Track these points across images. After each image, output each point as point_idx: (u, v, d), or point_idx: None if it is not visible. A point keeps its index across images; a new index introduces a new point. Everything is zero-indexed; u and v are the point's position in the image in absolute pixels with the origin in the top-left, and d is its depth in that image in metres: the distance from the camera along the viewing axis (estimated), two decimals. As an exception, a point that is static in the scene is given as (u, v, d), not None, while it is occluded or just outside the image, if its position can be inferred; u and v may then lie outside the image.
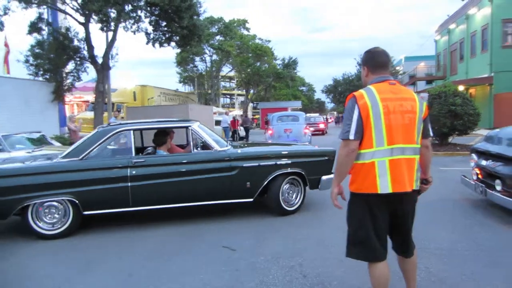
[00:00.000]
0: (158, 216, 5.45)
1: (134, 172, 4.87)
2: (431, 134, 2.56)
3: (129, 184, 4.85)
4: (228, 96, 64.27)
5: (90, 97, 20.51)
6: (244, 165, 5.24)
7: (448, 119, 12.19)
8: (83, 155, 4.86)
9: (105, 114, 16.22)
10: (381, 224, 2.40)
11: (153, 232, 4.92)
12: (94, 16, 13.92)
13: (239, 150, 5.43)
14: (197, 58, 36.33)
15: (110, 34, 15.01)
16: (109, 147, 5.34)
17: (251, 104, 50.75)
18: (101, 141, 4.97)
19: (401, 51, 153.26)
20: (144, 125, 5.61)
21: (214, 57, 37.16)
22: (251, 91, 46.83)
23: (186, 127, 5.48)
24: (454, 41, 30.21)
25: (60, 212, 4.77)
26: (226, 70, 42.99)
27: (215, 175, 5.14)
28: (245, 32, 37.72)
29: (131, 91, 23.39)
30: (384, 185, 2.31)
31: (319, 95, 71.46)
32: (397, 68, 47.18)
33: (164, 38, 16.06)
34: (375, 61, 2.49)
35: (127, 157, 5.02)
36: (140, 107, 18.36)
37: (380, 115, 2.29)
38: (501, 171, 4.88)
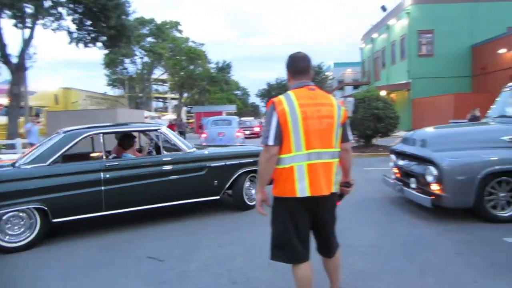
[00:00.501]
0: (79, 227, 5.07)
1: (108, 175, 4.83)
2: (350, 138, 2.64)
3: (103, 188, 4.79)
4: (161, 100, 62.62)
5: (4, 101, 18.70)
6: (212, 165, 5.56)
7: (372, 122, 12.98)
8: (51, 160, 4.64)
9: (22, 118, 14.86)
10: (302, 227, 2.44)
11: (74, 245, 4.56)
12: (6, 11, 12.73)
13: (205, 151, 5.78)
14: (127, 60, 34.88)
15: (27, 31, 13.84)
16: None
17: (185, 108, 49.94)
18: (69, 145, 4.81)
19: (331, 57, 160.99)
20: (113, 128, 5.54)
21: (145, 59, 35.96)
22: (185, 95, 46.09)
23: (156, 130, 5.58)
24: (377, 49, 32.36)
25: (25, 222, 4.46)
26: (158, 73, 41.87)
27: (186, 176, 5.34)
28: (178, 35, 37.03)
29: (52, 94, 21.72)
30: (302, 189, 2.35)
31: (253, 99, 72.29)
32: (327, 73, 49.55)
33: (89, 38, 15.20)
34: (295, 66, 2.52)
35: (99, 160, 4.96)
36: (61, 111, 17.03)
37: (298, 121, 2.33)
38: (415, 169, 5.27)
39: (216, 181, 5.55)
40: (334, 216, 2.61)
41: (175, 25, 36.03)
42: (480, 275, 3.29)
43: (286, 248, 2.44)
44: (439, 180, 4.71)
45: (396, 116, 13.54)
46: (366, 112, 13.07)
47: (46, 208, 4.47)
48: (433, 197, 4.77)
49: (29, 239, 4.44)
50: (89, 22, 14.79)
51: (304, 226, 2.46)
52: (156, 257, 4.03)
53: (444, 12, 24.09)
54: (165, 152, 5.39)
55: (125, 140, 5.53)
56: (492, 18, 23.65)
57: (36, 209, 4.46)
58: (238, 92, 64.29)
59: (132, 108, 34.17)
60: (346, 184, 2.68)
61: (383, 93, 22.72)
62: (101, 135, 5.07)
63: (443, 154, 4.82)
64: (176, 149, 5.50)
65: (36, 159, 4.64)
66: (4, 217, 4.33)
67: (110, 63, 33.72)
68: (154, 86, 48.89)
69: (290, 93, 2.43)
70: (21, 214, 4.43)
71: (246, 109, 68.00)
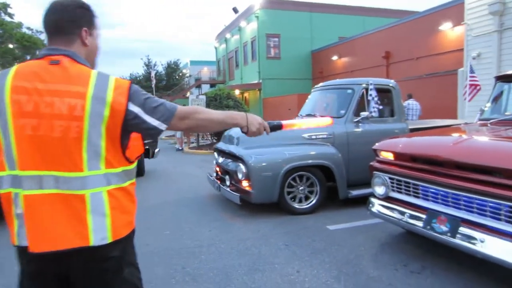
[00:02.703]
0: None
1: None
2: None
3: None
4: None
5: None
6: None
7: (223, 119, 13.23)
8: None
9: None
10: None
11: None
12: None
13: None
14: None
15: None
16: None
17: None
18: None
19: (187, 55, 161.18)
20: None
21: (-36, 44, 29.72)
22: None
23: None
24: (230, 49, 33.46)
25: None
26: (-17, 61, 35.10)
27: None
28: (8, 19, 31.58)
29: None
30: (22, 235, 1.33)
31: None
32: (184, 71, 49.21)
33: None
34: (43, 23, 1.44)
35: None
36: None
37: (6, 117, 1.30)
38: (230, 167, 5.36)
39: None
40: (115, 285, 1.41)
41: (3, 7, 30.56)
42: (303, 265, 3.46)
43: None
44: (247, 176, 4.87)
45: (246, 114, 14.10)
46: (218, 110, 13.27)
47: None
48: (242, 193, 4.94)
49: None
50: None
51: None
52: None
53: (288, 18, 26.31)
54: None
55: None
56: (327, 28, 26.85)
57: None
58: (88, 88, 58.71)
59: None
60: None
61: (237, 92, 23.58)
62: None
63: (251, 151, 5.00)
64: None
65: None
66: None
67: None
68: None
69: (15, 67, 1.38)
70: None
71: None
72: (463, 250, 2.74)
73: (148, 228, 4.67)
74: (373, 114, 5.32)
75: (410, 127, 5.67)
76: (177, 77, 46.41)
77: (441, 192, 2.93)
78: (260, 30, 26.40)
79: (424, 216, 3.05)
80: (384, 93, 5.63)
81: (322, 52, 26.18)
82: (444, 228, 2.84)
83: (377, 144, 3.75)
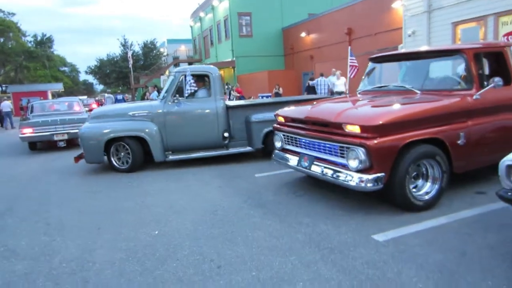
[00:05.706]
0: None
1: None
2: None
3: None
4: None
5: None
6: None
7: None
8: None
9: None
10: None
11: None
12: None
13: None
14: None
15: None
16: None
17: (-2, 88, 43.30)
18: None
19: (165, 33, 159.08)
20: None
21: None
22: (-3, 72, 39.93)
23: None
24: (205, 27, 34.21)
25: None
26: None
27: None
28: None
29: None
30: None
31: (84, 76, 66.74)
32: (161, 50, 49.57)
33: None
34: None
35: None
36: None
37: None
38: None
39: None
40: None
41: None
42: (226, 196, 4.97)
43: None
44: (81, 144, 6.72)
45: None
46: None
47: None
48: (83, 156, 6.77)
49: None
50: None
51: None
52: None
53: (258, -4, 27.23)
54: None
55: None
56: (297, 4, 27.88)
57: None
58: (66, 69, 58.62)
59: None
60: None
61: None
62: None
63: (87, 125, 6.82)
64: None
65: None
66: None
67: None
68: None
69: None
70: None
71: (77, 87, 62.70)
72: (316, 177, 4.27)
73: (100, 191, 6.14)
74: (185, 95, 6.71)
75: (230, 104, 7.16)
76: (154, 55, 46.86)
77: (307, 141, 4.43)
78: (231, 9, 27.28)
79: (297, 158, 4.56)
80: (203, 78, 7.11)
81: (292, 29, 27.27)
82: (306, 164, 4.36)
83: (276, 111, 5.20)
